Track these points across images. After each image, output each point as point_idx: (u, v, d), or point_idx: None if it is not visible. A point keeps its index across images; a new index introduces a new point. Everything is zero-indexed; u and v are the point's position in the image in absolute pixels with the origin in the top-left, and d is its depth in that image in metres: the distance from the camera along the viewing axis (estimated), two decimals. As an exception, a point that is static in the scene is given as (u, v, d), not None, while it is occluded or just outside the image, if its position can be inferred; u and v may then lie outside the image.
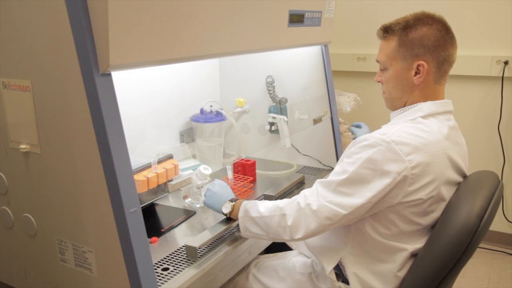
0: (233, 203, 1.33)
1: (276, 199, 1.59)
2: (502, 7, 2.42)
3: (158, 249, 1.30)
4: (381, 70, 1.25)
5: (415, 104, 1.20)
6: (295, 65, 1.98)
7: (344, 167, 1.12)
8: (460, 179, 1.20)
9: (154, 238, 1.34)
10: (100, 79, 0.94)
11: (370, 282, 1.17)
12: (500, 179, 1.21)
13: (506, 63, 2.44)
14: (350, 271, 1.18)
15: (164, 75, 1.87)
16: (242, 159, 1.84)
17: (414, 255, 1.16)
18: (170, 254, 1.27)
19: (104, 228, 1.03)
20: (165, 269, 1.19)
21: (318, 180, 1.18)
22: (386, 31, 1.22)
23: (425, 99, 1.19)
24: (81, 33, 0.92)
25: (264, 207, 1.22)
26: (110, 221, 1.00)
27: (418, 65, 1.16)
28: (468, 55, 2.51)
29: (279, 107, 1.98)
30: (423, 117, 1.16)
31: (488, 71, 2.49)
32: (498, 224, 2.65)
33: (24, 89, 1.08)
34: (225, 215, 1.33)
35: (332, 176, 1.15)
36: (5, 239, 1.30)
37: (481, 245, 2.58)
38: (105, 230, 1.03)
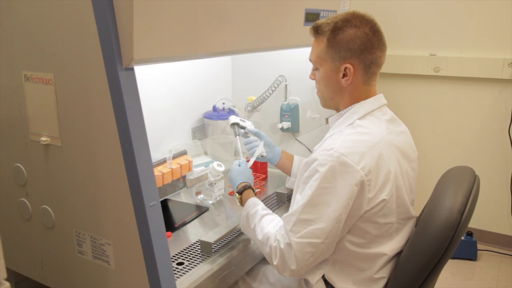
0: (240, 195, 1.35)
1: (288, 197, 1.59)
2: (515, 10, 2.41)
3: (172, 244, 1.31)
4: (313, 69, 1.26)
5: (349, 107, 1.20)
6: (307, 63, 1.98)
7: (303, 193, 1.11)
8: (413, 166, 1.22)
9: (168, 233, 1.35)
10: (123, 73, 0.95)
11: None
12: (476, 174, 1.23)
13: (518, 66, 2.44)
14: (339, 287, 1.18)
15: (176, 72, 1.88)
16: (254, 157, 1.84)
17: (394, 256, 1.18)
18: (184, 249, 1.28)
19: (123, 221, 1.04)
20: (180, 263, 1.20)
21: (283, 217, 1.16)
22: (317, 31, 1.21)
23: (356, 100, 1.20)
24: (105, 27, 0.93)
25: (260, 226, 1.20)
26: (129, 214, 1.01)
27: (345, 68, 1.16)
28: (479, 57, 2.51)
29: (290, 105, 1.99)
30: (360, 118, 1.17)
31: (499, 74, 2.48)
32: (507, 228, 2.64)
33: (46, 82, 1.09)
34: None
35: (294, 206, 1.13)
36: (23, 231, 1.32)
37: (489, 248, 2.61)
38: (124, 223, 1.03)
